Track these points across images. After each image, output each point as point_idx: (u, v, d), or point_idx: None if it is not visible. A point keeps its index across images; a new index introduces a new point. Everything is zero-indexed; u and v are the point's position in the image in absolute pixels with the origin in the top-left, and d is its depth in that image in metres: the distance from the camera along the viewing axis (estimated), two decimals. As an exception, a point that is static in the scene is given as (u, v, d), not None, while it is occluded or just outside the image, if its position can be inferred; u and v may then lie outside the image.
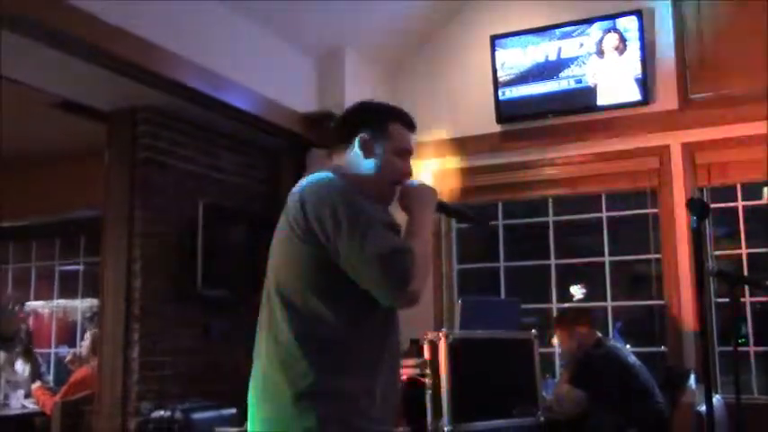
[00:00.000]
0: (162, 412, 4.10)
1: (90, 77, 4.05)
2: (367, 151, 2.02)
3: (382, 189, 2.03)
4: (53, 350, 7.25)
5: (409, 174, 2.08)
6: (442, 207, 2.16)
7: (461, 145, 5.51)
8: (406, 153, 2.07)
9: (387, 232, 1.83)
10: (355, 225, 1.81)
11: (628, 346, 4.86)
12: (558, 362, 5.17)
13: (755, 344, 4.77)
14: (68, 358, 5.76)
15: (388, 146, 2.04)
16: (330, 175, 1.96)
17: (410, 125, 2.11)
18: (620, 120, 5.12)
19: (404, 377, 3.53)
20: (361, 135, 2.03)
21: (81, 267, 7.35)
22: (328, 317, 1.85)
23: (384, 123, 2.06)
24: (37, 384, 5.71)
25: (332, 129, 2.16)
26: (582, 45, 5.17)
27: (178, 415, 4.05)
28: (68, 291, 7.40)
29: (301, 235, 1.86)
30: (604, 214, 5.28)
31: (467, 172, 5.52)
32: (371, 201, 1.93)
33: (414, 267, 1.79)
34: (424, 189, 2.06)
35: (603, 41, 5.10)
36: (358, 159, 2.03)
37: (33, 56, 3.71)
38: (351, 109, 2.16)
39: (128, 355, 4.38)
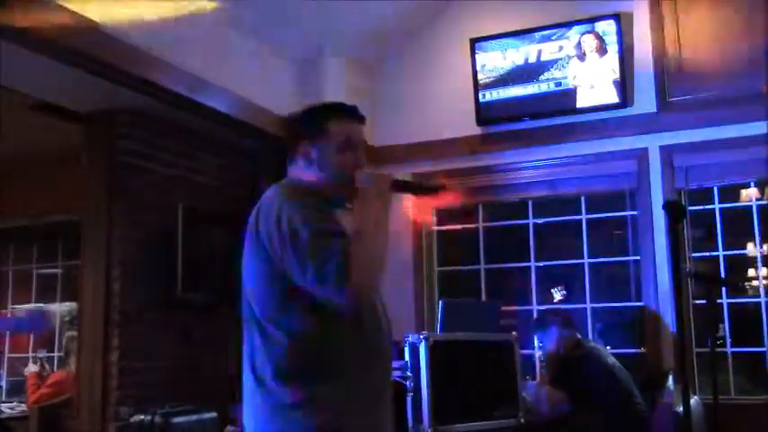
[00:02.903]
0: (141, 417, 4.06)
1: (67, 79, 4.01)
2: (310, 160, 1.99)
3: (337, 191, 1.99)
4: (30, 355, 7.16)
5: (359, 165, 2.00)
6: (397, 185, 2.07)
7: (441, 147, 5.52)
8: (351, 145, 2.01)
9: (324, 241, 1.77)
10: (296, 237, 1.79)
11: (607, 347, 4.89)
12: (538, 363, 5.19)
13: (733, 345, 4.82)
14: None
15: (332, 146, 1.99)
16: (278, 187, 1.94)
17: (351, 116, 2.05)
18: (598, 122, 5.15)
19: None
20: (301, 145, 2.00)
21: (59, 271, 7.28)
22: (291, 326, 1.84)
23: (322, 125, 2.01)
24: (34, 369, 5.65)
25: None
26: (561, 48, 5.20)
27: (158, 419, 4.01)
28: (47, 295, 7.32)
29: (256, 247, 1.87)
30: (584, 216, 5.32)
31: (447, 174, 5.52)
32: (324, 207, 1.90)
33: (348, 271, 1.73)
34: (371, 179, 1.97)
35: (582, 43, 5.13)
36: (305, 169, 2.00)
37: (8, 57, 3.66)
38: (289, 121, 2.13)
39: (107, 360, 4.34)
